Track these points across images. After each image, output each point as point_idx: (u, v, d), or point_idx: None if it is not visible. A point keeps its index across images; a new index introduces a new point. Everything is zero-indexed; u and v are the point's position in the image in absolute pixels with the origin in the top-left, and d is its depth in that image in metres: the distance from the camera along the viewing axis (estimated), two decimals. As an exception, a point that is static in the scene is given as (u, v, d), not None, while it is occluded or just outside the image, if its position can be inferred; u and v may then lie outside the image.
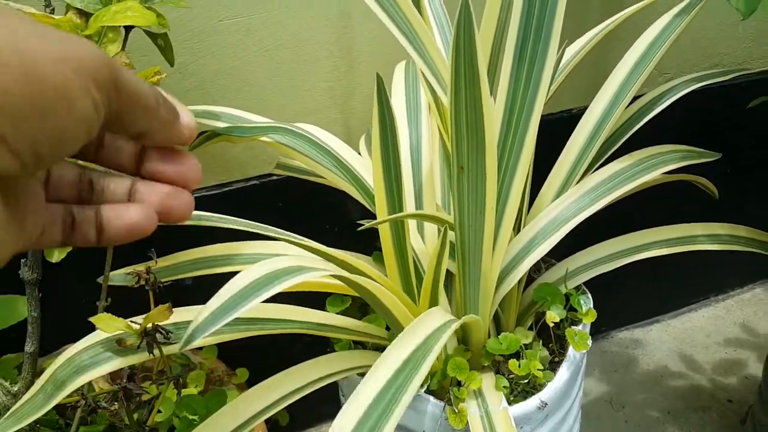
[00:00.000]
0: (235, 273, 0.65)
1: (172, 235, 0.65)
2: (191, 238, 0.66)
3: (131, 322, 0.46)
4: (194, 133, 0.28)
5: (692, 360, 1.08)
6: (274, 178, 0.81)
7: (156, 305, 0.48)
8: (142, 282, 0.49)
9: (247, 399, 0.52)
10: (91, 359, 0.47)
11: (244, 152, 0.78)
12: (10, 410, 0.48)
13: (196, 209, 0.61)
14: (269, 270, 0.39)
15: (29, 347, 0.54)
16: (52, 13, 0.55)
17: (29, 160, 0.21)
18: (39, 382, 0.49)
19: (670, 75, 0.96)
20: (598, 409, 1.00)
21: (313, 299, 0.65)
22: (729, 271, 1.19)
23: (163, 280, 0.66)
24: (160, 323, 0.44)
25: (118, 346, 0.45)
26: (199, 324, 0.35)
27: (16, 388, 0.54)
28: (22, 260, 0.52)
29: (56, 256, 0.50)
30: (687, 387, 1.03)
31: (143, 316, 0.48)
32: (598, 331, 1.14)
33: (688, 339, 1.12)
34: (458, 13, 0.40)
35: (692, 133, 0.99)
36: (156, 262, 0.54)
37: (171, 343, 0.47)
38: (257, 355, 0.69)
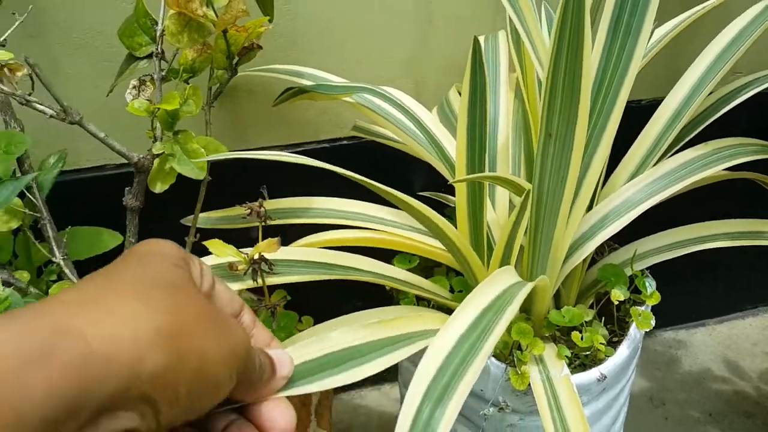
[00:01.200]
0: (307, 225, 0.69)
1: (250, 188, 0.68)
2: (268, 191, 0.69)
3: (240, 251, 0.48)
4: (287, 378, 0.34)
5: (737, 366, 1.08)
6: (344, 142, 0.83)
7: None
8: (254, 216, 0.51)
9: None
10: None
11: (319, 116, 0.81)
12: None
13: (270, 166, 0.64)
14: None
15: (121, 273, 0.57)
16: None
17: (165, 426, 0.26)
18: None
19: (742, 74, 0.96)
20: (638, 403, 1.00)
21: (381, 255, 0.67)
22: (781, 282, 1.18)
23: (242, 225, 0.69)
24: (266, 254, 0.47)
25: (230, 270, 0.47)
26: None
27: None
28: (127, 188, 0.55)
29: (159, 186, 0.53)
30: (730, 392, 1.03)
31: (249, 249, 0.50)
32: (642, 328, 1.14)
33: (734, 345, 1.12)
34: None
35: (761, 132, 0.98)
36: (265, 197, 0.57)
37: (274, 274, 0.50)
38: (321, 310, 0.72)
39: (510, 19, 0.57)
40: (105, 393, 0.24)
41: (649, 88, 0.90)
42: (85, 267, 0.65)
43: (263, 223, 0.51)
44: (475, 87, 0.53)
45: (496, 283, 0.52)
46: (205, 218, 0.67)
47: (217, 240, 0.47)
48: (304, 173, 0.82)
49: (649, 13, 0.52)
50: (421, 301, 0.67)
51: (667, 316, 1.15)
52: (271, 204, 0.69)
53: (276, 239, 0.48)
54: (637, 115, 0.71)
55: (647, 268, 0.71)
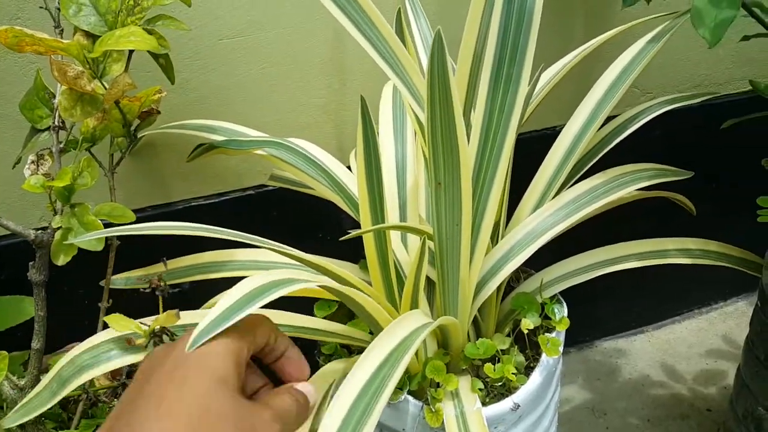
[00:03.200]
0: (229, 278, 0.70)
1: (172, 242, 0.69)
2: (190, 244, 0.70)
3: (140, 323, 0.50)
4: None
5: (674, 370, 1.11)
6: (270, 188, 0.85)
7: (162, 309, 0.51)
8: (154, 287, 0.52)
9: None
10: (92, 359, 0.50)
11: (241, 164, 0.82)
12: (19, 404, 0.52)
13: (193, 218, 0.66)
14: (263, 282, 0.42)
15: (35, 344, 0.58)
16: (61, 35, 0.59)
17: None
18: (45, 380, 0.52)
19: (653, 94, 1.00)
20: (579, 416, 1.03)
21: (303, 303, 0.69)
22: (713, 284, 1.22)
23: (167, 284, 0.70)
24: (167, 326, 0.48)
25: (128, 344, 0.48)
26: (202, 330, 0.38)
27: (22, 383, 0.57)
28: (30, 263, 0.56)
29: (61, 259, 0.54)
30: (667, 396, 1.06)
31: (150, 318, 0.51)
32: (582, 340, 1.17)
33: (671, 350, 1.16)
34: (431, 46, 0.44)
35: (675, 150, 1.03)
36: (166, 269, 0.58)
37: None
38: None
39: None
40: None
41: (562, 113, 0.93)
42: (7, 336, 0.65)
43: (163, 294, 0.52)
44: (367, 141, 0.55)
45: (401, 329, 0.54)
46: (125, 278, 0.68)
47: (117, 315, 0.48)
48: (229, 223, 0.83)
49: (527, 63, 0.55)
50: (343, 346, 0.69)
51: (606, 326, 1.18)
52: (193, 259, 0.70)
53: (175, 311, 0.49)
54: (551, 142, 0.74)
55: (570, 292, 0.73)
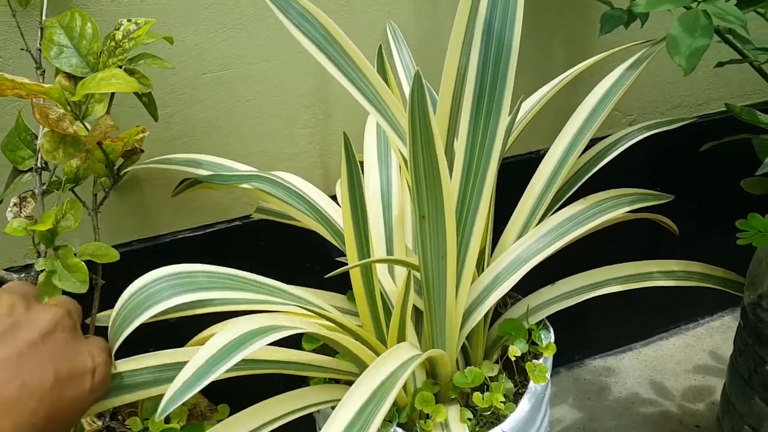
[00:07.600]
0: (215, 313, 0.70)
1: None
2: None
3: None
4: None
5: (662, 387, 1.12)
6: (256, 219, 0.85)
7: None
8: None
9: (228, 426, 0.55)
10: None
11: (227, 196, 0.82)
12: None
13: (180, 251, 0.65)
14: (241, 332, 0.42)
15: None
16: (43, 76, 0.59)
17: None
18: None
19: (633, 116, 1.02)
20: (571, 437, 1.04)
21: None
22: (700, 300, 1.23)
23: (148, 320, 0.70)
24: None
25: None
26: (172, 395, 0.38)
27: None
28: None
29: (46, 300, 0.53)
30: (657, 413, 1.07)
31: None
32: (572, 359, 1.18)
33: (659, 366, 1.16)
34: (411, 88, 0.45)
35: (658, 170, 1.04)
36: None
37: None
38: (239, 389, 0.73)
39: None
40: None
41: (546, 137, 0.94)
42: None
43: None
44: (352, 181, 0.56)
45: (387, 363, 0.54)
46: (108, 315, 0.67)
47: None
48: (217, 254, 0.83)
49: (506, 95, 0.56)
50: (332, 380, 0.69)
51: (595, 345, 1.19)
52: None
53: None
54: (536, 167, 0.75)
55: (560, 310, 0.73)
